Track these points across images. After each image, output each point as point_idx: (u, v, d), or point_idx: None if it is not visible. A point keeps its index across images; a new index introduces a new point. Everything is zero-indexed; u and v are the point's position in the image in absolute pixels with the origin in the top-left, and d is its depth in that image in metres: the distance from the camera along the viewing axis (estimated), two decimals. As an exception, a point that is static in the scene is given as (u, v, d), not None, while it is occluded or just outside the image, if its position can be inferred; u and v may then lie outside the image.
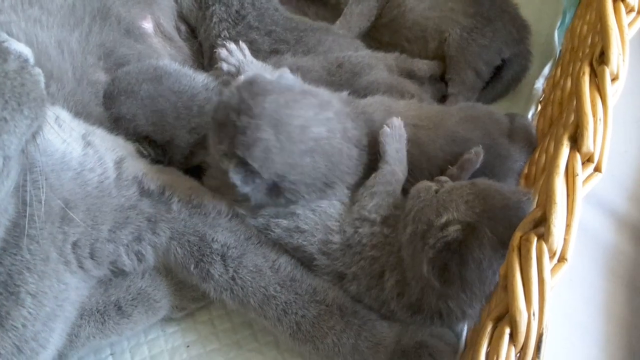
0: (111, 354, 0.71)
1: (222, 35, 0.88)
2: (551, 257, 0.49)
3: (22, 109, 0.45)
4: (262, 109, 0.60)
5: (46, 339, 0.59)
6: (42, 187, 0.54)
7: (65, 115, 0.67)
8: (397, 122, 0.69)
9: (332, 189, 0.67)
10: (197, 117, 0.75)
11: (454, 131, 0.72)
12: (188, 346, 0.71)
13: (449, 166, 0.69)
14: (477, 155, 0.69)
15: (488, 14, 0.89)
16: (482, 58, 0.88)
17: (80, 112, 0.70)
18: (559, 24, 0.96)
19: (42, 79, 0.50)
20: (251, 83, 0.63)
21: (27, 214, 0.54)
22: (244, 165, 0.61)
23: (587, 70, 0.58)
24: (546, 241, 0.49)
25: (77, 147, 0.64)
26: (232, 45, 0.76)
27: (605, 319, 0.76)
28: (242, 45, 0.77)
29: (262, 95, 0.61)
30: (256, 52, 0.84)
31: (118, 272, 0.67)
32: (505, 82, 0.90)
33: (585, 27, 0.79)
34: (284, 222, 0.68)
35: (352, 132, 0.68)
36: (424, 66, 0.89)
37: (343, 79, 0.80)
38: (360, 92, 0.79)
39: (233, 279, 0.66)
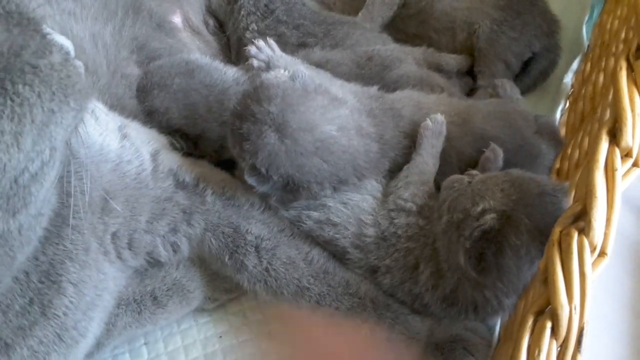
0: (145, 343, 0.72)
1: (250, 29, 0.89)
2: (592, 251, 0.49)
3: (69, 100, 0.45)
4: (266, 115, 0.62)
5: (86, 328, 0.60)
6: (86, 178, 0.55)
7: (101, 108, 0.67)
8: (440, 118, 0.69)
9: (355, 183, 0.67)
10: (228, 111, 0.76)
11: (482, 128, 0.72)
12: (220, 337, 0.71)
13: (470, 169, 0.69)
14: (495, 153, 0.69)
15: (518, 7, 0.89)
16: (512, 50, 0.87)
17: (115, 105, 0.71)
18: (586, 18, 0.96)
19: (83, 71, 0.50)
20: (255, 88, 0.64)
21: (71, 205, 0.55)
22: (255, 167, 0.63)
23: (623, 65, 0.58)
24: (587, 235, 0.49)
25: (114, 140, 0.65)
26: (260, 42, 0.77)
27: (631, 315, 0.76)
28: (270, 41, 0.78)
29: (266, 101, 0.62)
30: (284, 46, 0.85)
31: (154, 263, 0.68)
32: (534, 77, 0.90)
33: (617, 22, 0.78)
34: (315, 214, 0.68)
35: (369, 129, 0.68)
36: (451, 60, 0.88)
37: (373, 72, 0.80)
38: (390, 85, 0.79)
39: (267, 270, 0.67)
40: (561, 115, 0.84)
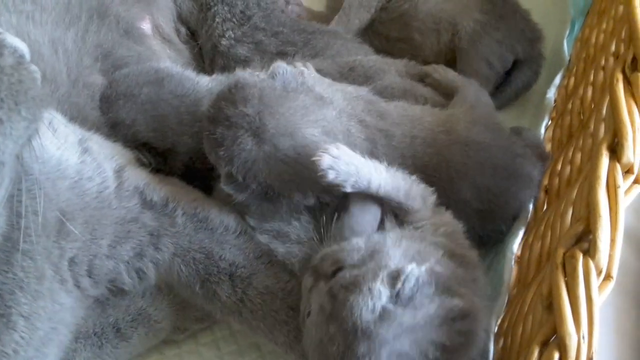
0: (105, 380, 0.65)
1: (227, 36, 0.84)
2: (598, 274, 0.46)
3: (20, 109, 0.40)
4: (241, 118, 0.57)
5: None
6: (39, 197, 0.49)
7: (59, 119, 0.61)
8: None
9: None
10: (200, 122, 0.70)
11: (465, 136, 0.69)
12: (191, 370, 0.66)
13: None
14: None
15: (501, 12, 0.87)
16: (495, 52, 0.86)
17: (76, 117, 0.65)
18: (567, 33, 0.94)
19: (39, 77, 0.45)
20: (230, 89, 0.59)
21: (21, 227, 0.49)
22: (232, 175, 0.58)
23: (620, 77, 0.56)
24: (592, 257, 0.46)
25: (73, 154, 0.59)
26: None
27: (615, 334, 0.74)
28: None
29: (242, 103, 0.57)
30: (262, 54, 0.81)
31: (116, 292, 0.62)
32: (516, 87, 0.88)
33: (602, 36, 0.77)
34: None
35: (359, 135, 0.63)
36: (430, 73, 0.86)
37: (356, 83, 0.76)
38: None
39: (242, 300, 0.61)
40: (545, 130, 0.82)
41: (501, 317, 0.63)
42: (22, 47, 0.45)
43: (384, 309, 0.48)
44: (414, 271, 0.50)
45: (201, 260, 0.62)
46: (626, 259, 0.78)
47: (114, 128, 0.68)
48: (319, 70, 0.72)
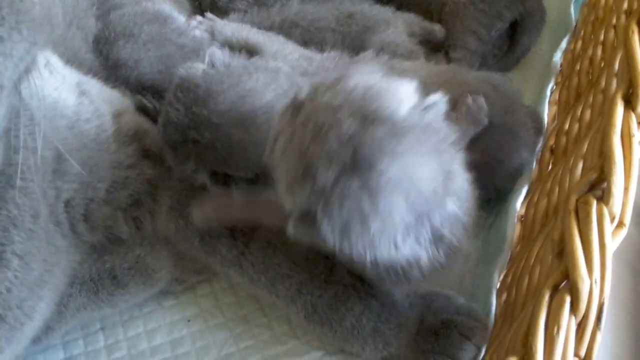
0: (101, 328, 0.63)
1: None
2: (611, 220, 0.45)
3: (21, 27, 0.38)
4: (217, 112, 0.55)
5: (32, 308, 0.52)
6: (38, 133, 0.47)
7: (56, 61, 0.59)
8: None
9: None
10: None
11: (469, 84, 0.66)
12: (189, 321, 0.64)
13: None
14: (477, 103, 0.61)
15: None
16: (481, 22, 0.83)
17: (72, 60, 0.63)
18: (573, -1, 0.93)
19: (37, 1, 0.43)
20: (187, 89, 0.56)
21: (18, 163, 0.47)
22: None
23: (635, 29, 0.55)
24: (606, 204, 0.45)
25: (71, 95, 0.57)
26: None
27: (612, 302, 0.74)
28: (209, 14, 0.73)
29: (211, 97, 0.55)
30: (260, 6, 0.78)
31: (113, 239, 0.61)
32: (520, 49, 0.87)
33: (612, -2, 0.75)
34: None
35: None
36: (441, 29, 0.84)
37: (353, 32, 0.73)
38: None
39: (243, 254, 0.60)
40: (551, 93, 0.81)
41: (504, 272, 0.63)
42: None
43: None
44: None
45: None
46: (637, 237, 0.77)
47: (114, 70, 0.66)
48: (315, 17, 0.70)
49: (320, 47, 0.74)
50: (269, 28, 0.76)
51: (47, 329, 0.57)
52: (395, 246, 0.45)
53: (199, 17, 0.72)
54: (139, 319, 0.65)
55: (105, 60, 0.66)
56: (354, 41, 0.74)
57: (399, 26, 0.77)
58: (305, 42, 0.75)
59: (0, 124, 0.43)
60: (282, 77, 0.59)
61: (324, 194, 0.43)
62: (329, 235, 0.44)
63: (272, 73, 0.59)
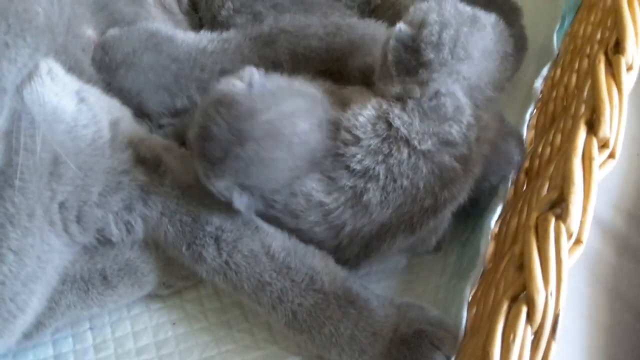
0: (90, 328, 0.66)
1: (226, 7, 0.85)
2: (568, 237, 0.48)
3: (25, 35, 0.41)
4: (261, 130, 0.57)
5: (25, 302, 0.55)
6: (38, 136, 0.50)
7: (58, 68, 0.63)
8: None
9: None
10: (197, 92, 0.72)
11: None
12: (174, 324, 0.67)
13: None
14: None
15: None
16: None
17: (73, 68, 0.66)
18: (557, 27, 0.97)
19: (41, 11, 0.46)
20: (230, 105, 0.58)
21: (17, 164, 0.50)
22: (246, 190, 0.59)
23: (602, 59, 0.58)
24: (564, 221, 0.48)
25: (70, 102, 0.60)
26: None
27: (587, 323, 0.76)
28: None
29: (254, 114, 0.57)
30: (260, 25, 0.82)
31: (105, 242, 0.63)
32: None
33: (590, 27, 0.79)
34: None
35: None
36: None
37: (337, 44, 0.75)
38: (349, 77, 0.74)
39: (227, 263, 0.63)
40: (530, 118, 0.84)
41: (474, 288, 0.66)
42: None
43: None
44: None
45: (188, 223, 0.63)
46: (601, 250, 0.80)
47: (114, 92, 0.69)
48: (302, 25, 0.72)
49: (305, 58, 0.76)
50: (258, 37, 0.78)
51: (39, 324, 0.60)
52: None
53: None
54: (127, 320, 0.67)
55: (108, 85, 0.69)
56: (337, 54, 0.75)
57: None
58: (290, 52, 0.77)
59: (2, 125, 0.46)
60: (319, 107, 0.62)
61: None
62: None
63: (310, 100, 0.62)
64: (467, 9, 0.66)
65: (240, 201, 0.59)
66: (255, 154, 0.57)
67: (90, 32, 0.74)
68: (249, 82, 0.60)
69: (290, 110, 0.59)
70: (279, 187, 0.61)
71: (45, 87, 0.58)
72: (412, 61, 0.62)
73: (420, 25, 0.62)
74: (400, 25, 0.63)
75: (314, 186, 0.62)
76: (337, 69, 0.76)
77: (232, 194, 0.59)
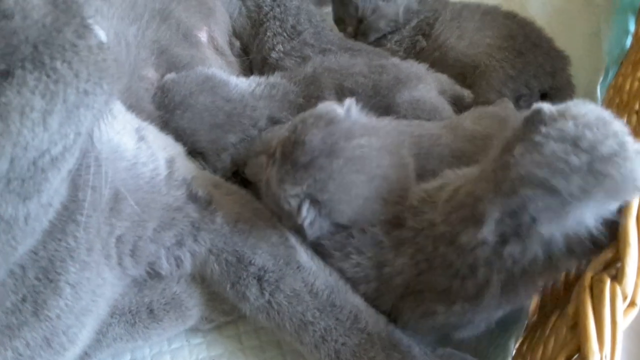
0: (131, 360, 0.67)
1: (277, 49, 0.88)
2: (623, 299, 0.48)
3: (102, 83, 0.43)
4: (352, 152, 0.59)
5: (76, 335, 0.56)
6: (101, 174, 0.52)
7: (120, 107, 0.65)
8: None
9: None
10: (250, 128, 0.74)
11: (472, 129, 0.70)
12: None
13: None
14: None
15: (520, 47, 0.90)
16: (507, 86, 0.88)
17: (134, 107, 0.69)
18: (600, 79, 0.97)
19: (115, 58, 0.49)
20: (330, 121, 0.60)
21: (81, 200, 0.52)
22: (316, 205, 0.60)
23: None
24: (619, 283, 0.48)
25: (130, 140, 0.62)
26: None
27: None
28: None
29: (348, 135, 0.59)
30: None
31: (153, 275, 0.65)
32: None
33: (637, 83, 0.80)
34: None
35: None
36: (470, 95, 0.88)
37: (384, 81, 0.77)
38: (399, 109, 0.77)
39: (269, 302, 0.64)
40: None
41: (519, 340, 0.65)
42: (103, 34, 0.49)
43: None
44: None
45: (233, 262, 0.65)
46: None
47: (173, 133, 0.72)
48: (348, 64, 0.75)
49: (351, 93, 0.78)
50: (303, 78, 0.81)
51: (84, 355, 0.60)
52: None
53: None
54: (167, 354, 0.68)
55: (166, 125, 0.72)
56: (383, 90, 0.78)
57: (430, 82, 0.81)
58: (335, 87, 0.80)
59: (74, 164, 0.48)
60: (404, 150, 0.64)
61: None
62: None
63: (396, 143, 0.64)
64: None
65: (307, 214, 0.59)
66: (339, 170, 0.58)
67: (151, 74, 0.77)
68: (348, 109, 0.62)
69: (380, 145, 0.61)
70: (348, 216, 0.61)
71: (108, 125, 0.60)
72: None
73: None
74: None
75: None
76: (385, 104, 0.77)
77: (302, 204, 0.59)
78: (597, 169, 0.49)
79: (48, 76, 0.39)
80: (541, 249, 0.52)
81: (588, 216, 0.51)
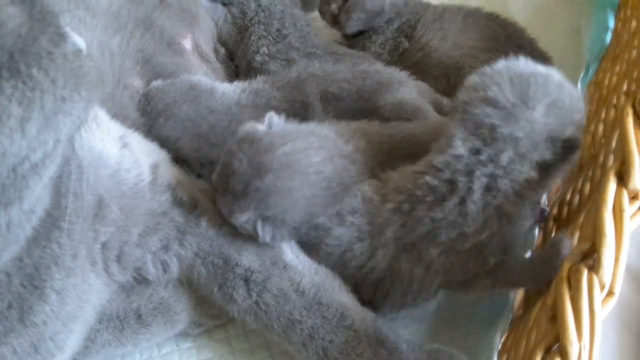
0: (121, 366, 0.68)
1: (261, 52, 0.89)
2: (601, 289, 0.48)
3: (80, 89, 0.44)
4: (279, 162, 0.62)
5: (64, 341, 0.56)
6: (85, 181, 0.53)
7: (103, 115, 0.66)
8: None
9: None
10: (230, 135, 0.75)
11: None
12: (203, 364, 0.68)
13: None
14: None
15: (503, 49, 0.90)
16: None
17: (118, 114, 0.70)
18: (581, 76, 0.99)
19: (93, 65, 0.49)
20: (252, 141, 0.63)
21: (63, 207, 0.53)
22: (268, 221, 0.63)
23: (630, 112, 0.60)
24: (596, 273, 0.49)
25: (114, 147, 0.63)
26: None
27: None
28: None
29: (272, 149, 0.63)
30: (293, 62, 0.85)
31: (141, 280, 0.65)
32: None
33: (615, 78, 0.81)
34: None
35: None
36: (449, 103, 0.89)
37: (367, 86, 0.79)
38: (383, 112, 0.78)
39: (256, 303, 0.64)
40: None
41: (505, 335, 0.65)
42: (81, 41, 0.50)
43: None
44: None
45: (219, 265, 0.65)
46: (630, 297, 0.80)
47: (157, 140, 0.72)
48: (333, 70, 0.77)
49: (335, 98, 0.80)
50: (287, 83, 0.82)
51: (73, 362, 0.61)
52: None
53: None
54: (157, 359, 0.68)
55: (149, 132, 0.73)
56: (367, 94, 0.79)
57: (411, 86, 0.83)
58: (320, 92, 0.81)
59: (55, 171, 0.48)
60: (330, 143, 0.67)
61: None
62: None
63: (323, 139, 0.67)
64: None
65: (264, 233, 0.63)
66: (273, 184, 0.61)
67: (137, 83, 0.78)
68: (269, 123, 0.66)
69: (304, 146, 0.64)
70: (300, 218, 0.64)
71: (92, 133, 0.61)
72: None
73: None
74: None
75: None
76: (368, 107, 0.79)
77: (256, 227, 0.62)
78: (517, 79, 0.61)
79: (24, 83, 0.40)
80: (511, 149, 0.59)
81: (539, 117, 0.59)
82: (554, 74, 0.63)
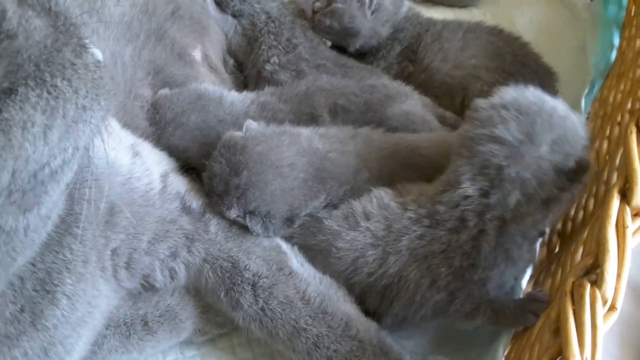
0: (126, 372, 0.68)
1: (271, 62, 0.90)
2: (603, 304, 0.49)
3: (100, 99, 0.45)
4: (252, 159, 0.67)
5: (72, 345, 0.57)
6: (98, 188, 0.54)
7: (115, 124, 0.67)
8: None
9: None
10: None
11: None
12: (208, 371, 0.68)
13: None
14: None
15: (509, 68, 0.91)
16: None
17: (129, 124, 0.71)
18: (585, 92, 1.00)
19: (110, 76, 0.50)
20: (229, 146, 0.68)
21: (76, 213, 0.54)
22: (255, 214, 0.66)
23: (633, 130, 0.61)
24: (599, 288, 0.49)
25: (125, 156, 0.64)
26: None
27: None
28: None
29: (247, 148, 0.68)
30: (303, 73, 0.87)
31: (148, 287, 0.66)
32: None
33: (620, 95, 0.82)
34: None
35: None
36: (452, 116, 0.90)
37: (375, 98, 0.80)
38: (391, 122, 0.79)
39: (263, 309, 0.65)
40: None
41: (508, 348, 0.66)
42: (99, 53, 0.51)
43: None
44: None
45: (228, 268, 0.66)
46: (631, 312, 0.80)
47: (166, 149, 0.74)
48: (341, 84, 0.80)
49: (344, 110, 0.81)
50: (294, 96, 0.83)
51: (80, 366, 0.62)
52: None
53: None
54: (162, 366, 0.69)
55: (157, 141, 0.74)
56: (374, 106, 0.81)
57: (416, 98, 0.84)
58: (329, 105, 0.82)
59: (72, 178, 0.50)
60: (303, 140, 0.72)
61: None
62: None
63: (295, 136, 0.72)
64: None
65: (252, 224, 0.67)
66: (249, 179, 0.66)
67: (147, 93, 0.79)
68: (246, 129, 0.71)
69: (276, 143, 0.70)
70: (283, 209, 0.68)
71: (104, 142, 0.62)
72: None
73: None
74: None
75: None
76: (376, 119, 0.80)
77: (246, 220, 0.67)
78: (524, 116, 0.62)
79: (49, 93, 0.41)
80: (519, 191, 0.61)
81: (545, 154, 0.61)
82: (559, 107, 0.64)
